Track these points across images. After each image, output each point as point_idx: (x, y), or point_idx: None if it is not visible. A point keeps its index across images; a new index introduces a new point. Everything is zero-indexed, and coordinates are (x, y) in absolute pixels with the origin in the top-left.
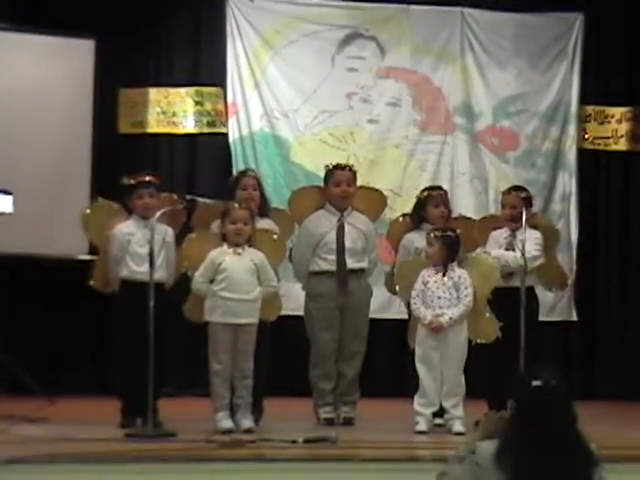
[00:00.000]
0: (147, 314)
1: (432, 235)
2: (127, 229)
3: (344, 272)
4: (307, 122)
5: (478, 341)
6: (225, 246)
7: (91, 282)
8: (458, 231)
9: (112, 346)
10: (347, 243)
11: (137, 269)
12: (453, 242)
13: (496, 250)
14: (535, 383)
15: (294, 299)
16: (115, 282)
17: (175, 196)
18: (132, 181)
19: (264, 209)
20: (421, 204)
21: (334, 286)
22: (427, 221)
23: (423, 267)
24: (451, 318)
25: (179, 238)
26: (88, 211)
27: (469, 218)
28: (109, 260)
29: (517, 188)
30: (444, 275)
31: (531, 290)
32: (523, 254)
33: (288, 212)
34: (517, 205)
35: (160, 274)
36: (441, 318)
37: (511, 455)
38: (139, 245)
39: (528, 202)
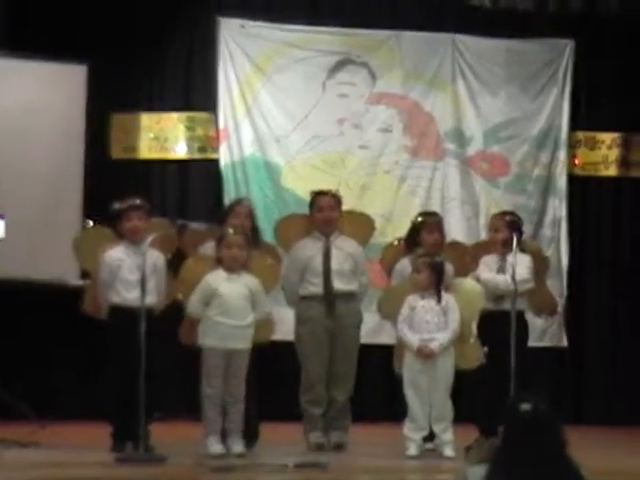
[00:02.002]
0: (137, 339)
1: (420, 262)
2: (117, 254)
3: (332, 295)
4: (298, 147)
5: (462, 367)
6: (220, 270)
7: (83, 307)
8: (442, 257)
9: (103, 371)
10: (334, 265)
11: (127, 295)
12: (441, 268)
13: (486, 273)
14: (524, 407)
15: (286, 324)
16: (105, 307)
17: (164, 221)
18: (123, 205)
19: (255, 240)
20: (416, 229)
21: (323, 310)
22: (421, 247)
23: (409, 293)
24: (441, 344)
25: (170, 264)
26: (79, 236)
27: (462, 244)
28: (98, 285)
29: (506, 213)
30: (439, 301)
31: (521, 315)
32: (514, 278)
33: (275, 243)
34: (500, 228)
35: (150, 299)
36: (431, 344)
37: (500, 479)
38: (129, 271)
39: (517, 226)
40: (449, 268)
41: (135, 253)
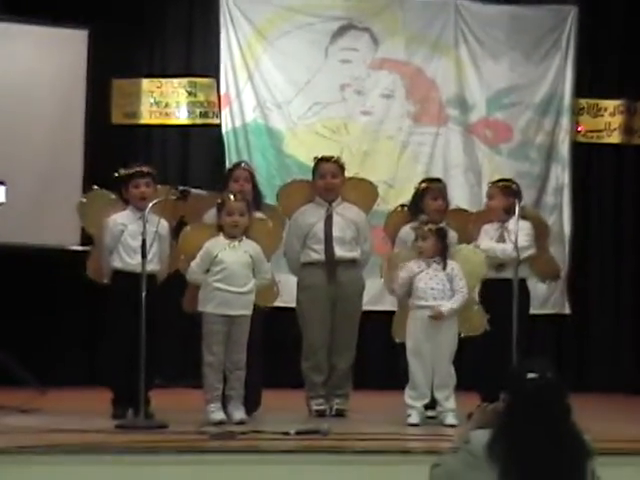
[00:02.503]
0: (139, 305)
1: (426, 229)
2: (121, 219)
3: (333, 261)
4: (300, 114)
5: (466, 334)
6: (221, 237)
7: (86, 271)
8: (446, 223)
9: (104, 337)
10: (335, 232)
11: (129, 260)
12: (445, 235)
13: (486, 242)
14: (530, 375)
15: (288, 291)
16: (107, 272)
17: (168, 188)
18: (129, 171)
19: (257, 202)
20: (419, 196)
21: (324, 276)
22: (424, 213)
23: (413, 259)
24: (452, 308)
25: (176, 231)
26: (84, 200)
27: (466, 211)
28: (102, 249)
29: (501, 180)
30: (444, 268)
31: (522, 282)
32: (516, 245)
33: (279, 208)
34: (495, 196)
35: (152, 266)
36: (442, 307)
37: (504, 446)
38: (132, 237)
39: (513, 192)
40: (452, 235)
41: (139, 219)
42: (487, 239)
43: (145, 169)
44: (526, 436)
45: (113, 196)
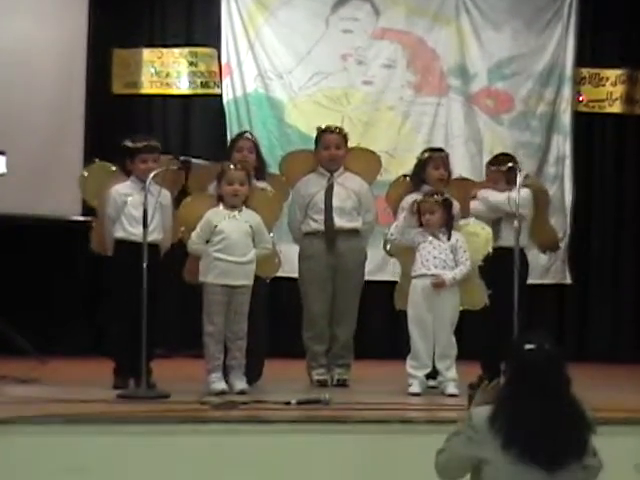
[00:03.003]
0: (141, 275)
1: (434, 201)
2: (124, 190)
3: (332, 231)
4: (301, 83)
5: (466, 308)
6: (221, 207)
7: (90, 245)
8: (448, 193)
9: (106, 307)
10: (336, 202)
11: (132, 230)
12: (451, 206)
13: (494, 195)
14: (528, 346)
15: (290, 261)
16: (110, 243)
17: (170, 157)
18: (138, 145)
19: (261, 172)
20: (421, 165)
21: (323, 246)
22: (426, 183)
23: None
24: (454, 277)
25: (178, 201)
26: (85, 173)
27: (468, 180)
28: (105, 220)
29: (502, 159)
30: (449, 239)
31: (521, 251)
32: (516, 215)
33: (282, 178)
34: (498, 180)
35: (154, 236)
36: (444, 276)
37: (504, 418)
38: (134, 207)
39: (515, 173)
40: (455, 205)
41: (142, 189)
42: (496, 193)
43: (154, 143)
44: (526, 407)
45: (114, 168)
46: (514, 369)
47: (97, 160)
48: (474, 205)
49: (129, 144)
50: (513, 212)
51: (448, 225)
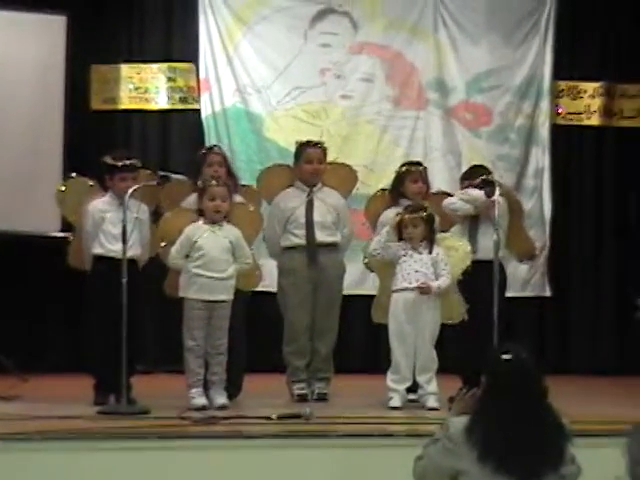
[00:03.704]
0: (120, 290)
1: (417, 217)
2: (101, 206)
3: (314, 246)
4: (280, 98)
5: (444, 322)
6: (201, 222)
7: (67, 260)
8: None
9: (85, 323)
10: (316, 217)
11: (110, 247)
12: (433, 221)
13: (471, 190)
14: (505, 357)
15: (269, 275)
16: (88, 258)
17: (148, 172)
18: (118, 163)
19: (233, 185)
20: (399, 179)
21: (305, 261)
22: (405, 197)
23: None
24: (439, 286)
25: (154, 215)
26: (63, 188)
27: (447, 194)
28: (83, 237)
29: (475, 173)
30: (430, 252)
31: (499, 264)
32: (495, 228)
33: (256, 189)
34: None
35: (133, 251)
36: (431, 283)
37: (481, 429)
38: (112, 224)
39: (489, 182)
40: (435, 219)
41: (120, 205)
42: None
43: (135, 162)
44: (502, 418)
45: (91, 183)
46: (491, 379)
47: (74, 175)
48: (450, 200)
49: (109, 161)
50: (488, 206)
51: (430, 239)
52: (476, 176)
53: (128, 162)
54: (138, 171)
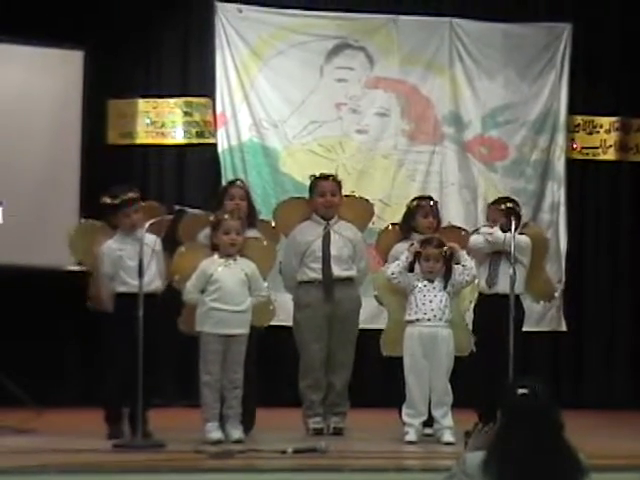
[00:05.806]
0: (146, 325)
1: (438, 252)
2: (116, 245)
3: (330, 280)
4: (296, 132)
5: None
6: (216, 256)
7: (88, 303)
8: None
9: (102, 357)
10: (333, 251)
11: (132, 282)
12: (452, 257)
13: (491, 229)
14: (521, 391)
15: (284, 309)
16: (109, 298)
17: (156, 204)
18: (116, 201)
19: (252, 219)
20: (410, 214)
21: (321, 295)
22: (416, 231)
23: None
24: (463, 255)
25: (166, 243)
26: (72, 233)
27: (459, 228)
28: (101, 278)
29: (502, 200)
30: (445, 287)
31: (517, 298)
32: (512, 263)
33: (274, 225)
34: (498, 219)
35: (155, 284)
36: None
37: (497, 463)
38: (130, 259)
39: (515, 212)
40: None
41: (133, 240)
42: (498, 230)
43: (132, 195)
44: (518, 452)
45: (99, 224)
46: (506, 414)
47: (82, 220)
48: (474, 238)
49: (107, 201)
50: (509, 251)
51: (445, 275)
52: (503, 203)
53: (126, 197)
54: (139, 202)
